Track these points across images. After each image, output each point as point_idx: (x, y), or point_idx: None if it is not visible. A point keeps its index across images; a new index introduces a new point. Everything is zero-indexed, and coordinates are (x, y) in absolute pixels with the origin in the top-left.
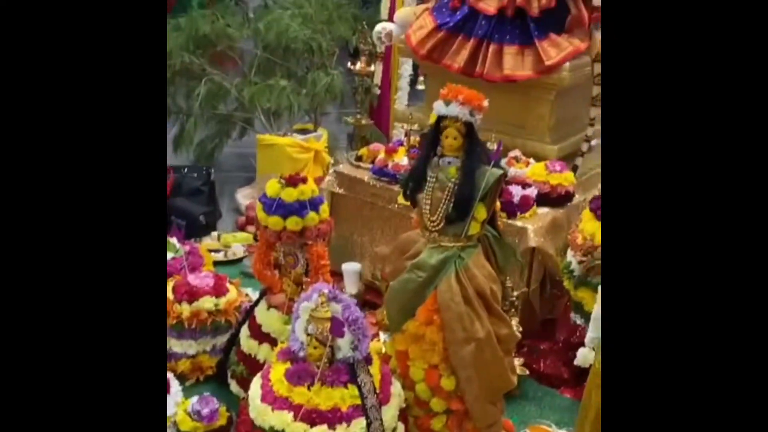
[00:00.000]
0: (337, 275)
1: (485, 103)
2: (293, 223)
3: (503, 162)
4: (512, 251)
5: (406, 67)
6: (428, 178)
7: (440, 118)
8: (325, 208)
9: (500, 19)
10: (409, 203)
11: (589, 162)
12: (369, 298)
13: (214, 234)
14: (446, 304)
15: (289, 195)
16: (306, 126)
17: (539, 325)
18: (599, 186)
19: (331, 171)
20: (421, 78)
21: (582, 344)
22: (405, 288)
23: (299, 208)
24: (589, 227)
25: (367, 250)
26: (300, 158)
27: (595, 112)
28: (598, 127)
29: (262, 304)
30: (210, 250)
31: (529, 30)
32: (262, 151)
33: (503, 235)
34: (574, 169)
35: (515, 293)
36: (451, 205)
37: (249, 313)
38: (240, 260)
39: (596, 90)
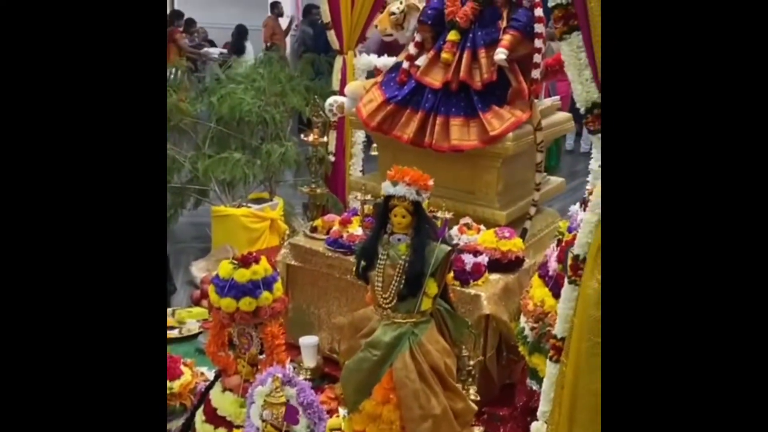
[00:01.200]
0: (295, 348)
1: (431, 182)
2: (246, 303)
3: (455, 228)
4: (465, 323)
5: (359, 134)
6: (380, 256)
7: (389, 197)
8: (278, 287)
9: (445, 92)
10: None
11: (538, 224)
12: (328, 370)
13: (169, 310)
14: (402, 381)
15: (242, 276)
16: (261, 195)
17: (498, 391)
18: (547, 250)
19: (286, 243)
20: (375, 145)
21: None
22: (360, 367)
23: (252, 289)
24: (539, 293)
25: (324, 321)
26: (256, 228)
27: (540, 177)
28: (545, 189)
29: (217, 387)
30: None
31: (473, 103)
32: (216, 222)
33: (456, 306)
34: (524, 232)
35: (471, 362)
36: (403, 281)
37: (204, 396)
38: (195, 336)
39: (539, 157)
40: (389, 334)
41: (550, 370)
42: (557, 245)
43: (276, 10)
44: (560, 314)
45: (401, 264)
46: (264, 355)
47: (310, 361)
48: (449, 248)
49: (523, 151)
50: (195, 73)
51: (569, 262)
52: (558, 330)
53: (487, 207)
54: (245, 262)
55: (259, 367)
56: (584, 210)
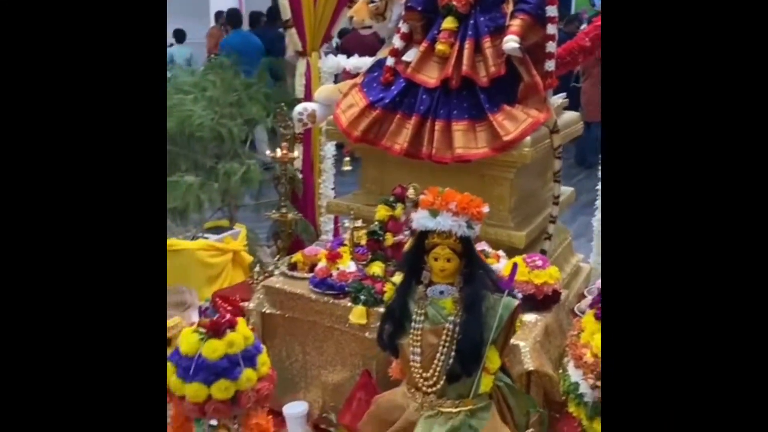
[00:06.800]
0: (277, 415)
1: (485, 209)
2: (221, 389)
3: None
4: (532, 402)
5: (329, 147)
6: (413, 317)
7: (424, 235)
8: (264, 360)
9: (444, 91)
10: (389, 352)
11: (553, 243)
12: None
13: None
14: None
15: (214, 350)
16: (219, 223)
17: None
18: (598, 280)
19: (258, 287)
20: (347, 158)
21: None
22: None
23: (229, 368)
24: (599, 339)
25: (313, 379)
26: (215, 263)
27: (558, 188)
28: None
29: None
30: None
31: (479, 102)
32: (168, 260)
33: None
34: (543, 255)
35: None
36: (453, 354)
37: None
38: None
39: (558, 164)
40: (436, 430)
41: None
42: None
43: (221, 19)
44: None
45: (449, 329)
46: None
47: None
48: (516, 302)
49: (538, 158)
50: None
51: None
52: None
53: (499, 227)
54: (216, 329)
55: None
56: None
